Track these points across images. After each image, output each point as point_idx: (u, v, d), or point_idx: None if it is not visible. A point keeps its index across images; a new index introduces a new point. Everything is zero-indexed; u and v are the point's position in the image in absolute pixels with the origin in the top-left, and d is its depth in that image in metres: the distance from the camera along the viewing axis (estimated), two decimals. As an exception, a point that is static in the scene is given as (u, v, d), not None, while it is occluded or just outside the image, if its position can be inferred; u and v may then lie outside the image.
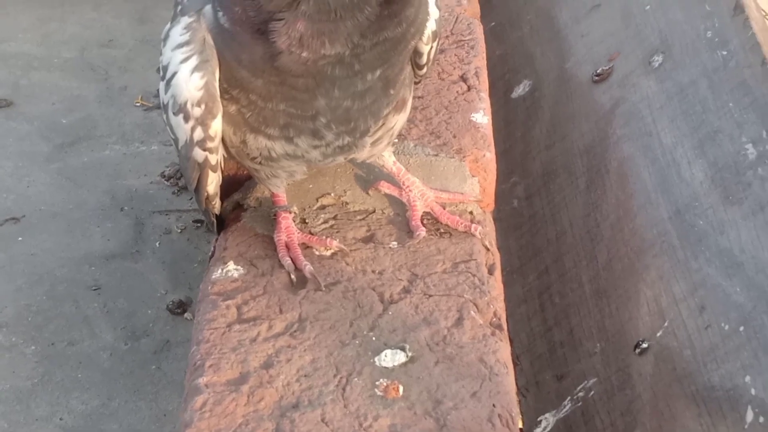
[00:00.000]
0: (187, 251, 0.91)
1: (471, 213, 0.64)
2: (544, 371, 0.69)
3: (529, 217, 0.86)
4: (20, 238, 0.94)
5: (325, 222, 0.65)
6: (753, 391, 0.50)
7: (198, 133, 0.57)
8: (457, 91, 0.79)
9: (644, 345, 0.59)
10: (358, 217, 0.65)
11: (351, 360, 0.53)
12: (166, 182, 0.94)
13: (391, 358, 0.53)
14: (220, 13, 0.54)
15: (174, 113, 0.57)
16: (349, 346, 0.54)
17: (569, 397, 0.62)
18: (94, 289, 0.88)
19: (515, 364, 0.66)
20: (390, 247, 0.62)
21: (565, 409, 0.62)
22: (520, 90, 0.99)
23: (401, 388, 0.50)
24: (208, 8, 0.55)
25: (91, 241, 0.93)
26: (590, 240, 0.73)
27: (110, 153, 1.07)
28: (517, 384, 0.58)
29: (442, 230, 0.63)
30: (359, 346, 0.54)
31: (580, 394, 0.62)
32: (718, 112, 0.71)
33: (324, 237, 0.63)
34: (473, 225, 0.62)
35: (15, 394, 0.79)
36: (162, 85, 0.59)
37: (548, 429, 0.60)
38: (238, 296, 0.58)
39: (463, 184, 0.67)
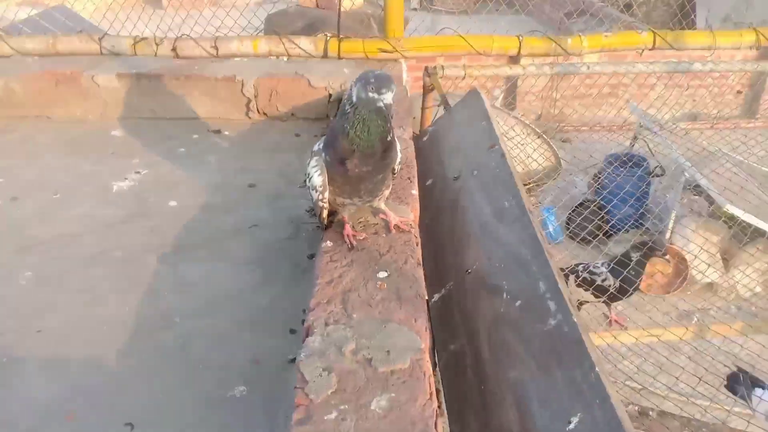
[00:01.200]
0: (315, 236, 1.89)
1: (410, 225, 1.70)
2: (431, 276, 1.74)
3: (431, 228, 1.93)
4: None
5: (360, 227, 1.70)
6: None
7: (320, 196, 1.50)
8: (406, 181, 1.87)
9: (469, 271, 1.65)
10: (371, 226, 1.70)
11: (368, 275, 1.57)
12: (308, 213, 2.01)
13: (382, 274, 1.58)
14: (325, 155, 1.58)
15: (312, 189, 1.50)
16: (368, 270, 1.58)
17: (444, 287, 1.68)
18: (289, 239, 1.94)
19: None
20: (382, 236, 1.66)
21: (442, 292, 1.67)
22: (429, 182, 2.09)
23: (386, 284, 1.56)
24: (322, 153, 1.52)
25: (284, 233, 1.97)
26: (452, 231, 1.80)
27: (292, 202, 2.12)
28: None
29: (400, 230, 1.68)
30: (370, 270, 1.58)
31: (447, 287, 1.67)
32: (495, 191, 1.78)
33: (359, 231, 1.67)
34: (411, 228, 1.68)
35: None
36: (308, 179, 1.50)
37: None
38: (330, 253, 1.62)
39: (407, 213, 1.73)
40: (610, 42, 2.83)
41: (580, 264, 3.31)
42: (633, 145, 5.53)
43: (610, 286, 3.08)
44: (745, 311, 3.29)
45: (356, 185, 1.48)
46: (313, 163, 1.50)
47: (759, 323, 3.13)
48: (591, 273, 3.13)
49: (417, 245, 1.61)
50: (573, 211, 5.09)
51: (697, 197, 4.91)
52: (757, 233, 4.14)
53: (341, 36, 2.82)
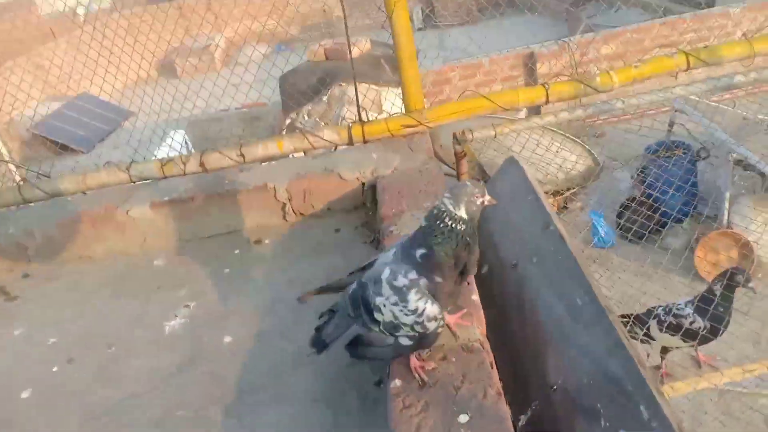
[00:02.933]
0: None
1: (471, 317, 1.58)
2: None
3: (499, 329, 1.80)
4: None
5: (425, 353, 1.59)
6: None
7: (440, 324, 1.37)
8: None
9: (555, 387, 1.51)
10: (438, 348, 1.59)
11: (448, 420, 1.44)
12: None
13: (463, 418, 1.43)
14: (427, 279, 1.33)
15: (427, 321, 1.33)
16: (447, 414, 1.46)
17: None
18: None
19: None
20: (452, 361, 1.54)
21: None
22: (484, 270, 1.98)
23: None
24: (419, 278, 1.33)
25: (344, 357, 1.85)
26: (523, 333, 1.67)
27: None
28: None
29: (460, 325, 1.57)
30: (449, 413, 1.43)
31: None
32: (563, 284, 1.65)
33: (426, 359, 1.54)
34: (471, 323, 1.56)
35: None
36: (412, 315, 1.32)
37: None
38: (401, 396, 1.51)
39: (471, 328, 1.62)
40: (641, 72, 2.68)
41: (659, 306, 3.10)
42: (671, 131, 5.36)
43: (700, 328, 2.86)
44: None
45: (446, 301, 1.39)
46: (415, 296, 1.33)
47: None
48: (676, 316, 2.91)
49: (492, 367, 1.49)
50: (623, 208, 4.92)
51: (748, 172, 4.69)
52: None
53: (362, 119, 2.75)
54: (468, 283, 1.52)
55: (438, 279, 1.32)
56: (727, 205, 4.54)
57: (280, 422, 1.72)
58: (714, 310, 2.80)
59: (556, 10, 10.87)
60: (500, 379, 1.46)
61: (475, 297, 1.72)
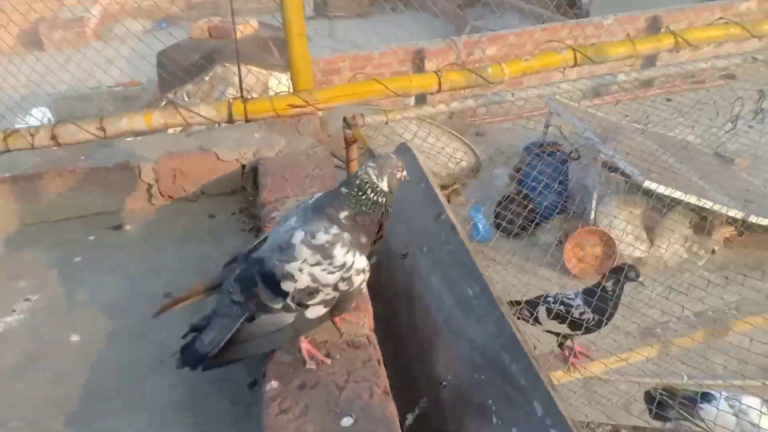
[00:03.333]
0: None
1: (359, 316, 1.44)
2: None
3: (387, 322, 1.68)
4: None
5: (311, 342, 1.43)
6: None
7: (365, 278, 1.27)
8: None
9: (444, 384, 1.41)
10: (320, 344, 1.43)
11: (329, 425, 1.30)
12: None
13: (347, 421, 1.28)
14: (351, 236, 1.23)
15: (356, 275, 1.24)
16: (327, 417, 1.31)
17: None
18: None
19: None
20: (336, 358, 1.39)
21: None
22: (372, 260, 1.84)
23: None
24: (344, 235, 1.23)
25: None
26: (412, 326, 1.56)
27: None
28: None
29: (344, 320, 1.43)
30: (331, 416, 1.30)
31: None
32: (454, 275, 1.56)
33: (317, 348, 1.38)
34: (360, 321, 1.42)
35: None
36: (340, 270, 1.21)
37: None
38: (278, 400, 1.33)
39: (358, 317, 1.48)
40: (530, 65, 2.69)
41: (548, 295, 3.14)
42: (546, 132, 5.61)
43: (588, 320, 2.93)
44: (704, 317, 3.27)
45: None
46: (341, 249, 1.22)
47: (720, 328, 3.10)
48: (565, 305, 2.97)
49: (380, 364, 1.36)
50: (499, 205, 5.08)
51: (614, 174, 5.03)
52: (674, 201, 4.28)
53: (245, 97, 2.52)
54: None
55: (363, 240, 1.24)
56: (594, 204, 4.80)
57: (135, 433, 1.48)
58: (603, 303, 2.89)
59: (444, 10, 11.10)
60: (387, 376, 1.33)
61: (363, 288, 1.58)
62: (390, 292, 1.73)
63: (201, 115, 2.50)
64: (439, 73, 2.62)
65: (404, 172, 1.28)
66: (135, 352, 1.71)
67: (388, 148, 3.12)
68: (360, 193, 1.24)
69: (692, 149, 5.15)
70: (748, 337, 2.81)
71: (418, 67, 7.01)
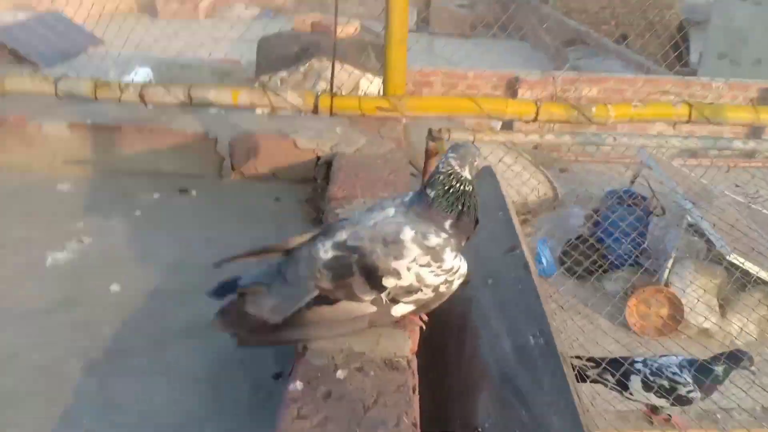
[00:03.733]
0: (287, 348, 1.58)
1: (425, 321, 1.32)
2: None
3: (432, 349, 1.54)
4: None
5: (342, 357, 1.32)
6: None
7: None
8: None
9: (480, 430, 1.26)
10: (356, 357, 1.32)
11: None
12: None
13: None
14: (454, 240, 1.19)
15: (459, 279, 1.21)
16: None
17: None
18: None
19: None
20: (369, 375, 1.27)
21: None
22: None
23: None
24: (451, 238, 1.19)
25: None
26: (458, 363, 1.41)
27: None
28: None
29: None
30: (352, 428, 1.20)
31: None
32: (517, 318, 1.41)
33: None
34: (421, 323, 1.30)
35: None
36: (448, 273, 1.19)
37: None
38: (298, 403, 1.22)
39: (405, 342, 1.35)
40: (639, 113, 2.51)
41: (637, 360, 2.85)
42: (633, 182, 5.36)
43: (695, 399, 2.67)
44: (770, 415, 2.93)
45: None
46: (450, 254, 1.20)
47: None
48: (670, 380, 2.69)
49: (414, 392, 1.23)
50: (568, 244, 4.84)
51: (696, 238, 4.72)
52: (760, 281, 4.02)
53: (334, 92, 2.47)
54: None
55: (462, 243, 1.23)
56: (670, 264, 4.53)
57: (151, 397, 1.42)
58: (713, 385, 2.64)
59: (545, 44, 10.88)
60: (420, 408, 1.20)
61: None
62: (441, 317, 1.60)
63: (287, 100, 2.46)
64: (538, 103, 2.48)
65: (479, 161, 1.26)
66: (169, 315, 1.65)
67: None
68: (447, 188, 1.19)
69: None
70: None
71: (510, 94, 6.85)
